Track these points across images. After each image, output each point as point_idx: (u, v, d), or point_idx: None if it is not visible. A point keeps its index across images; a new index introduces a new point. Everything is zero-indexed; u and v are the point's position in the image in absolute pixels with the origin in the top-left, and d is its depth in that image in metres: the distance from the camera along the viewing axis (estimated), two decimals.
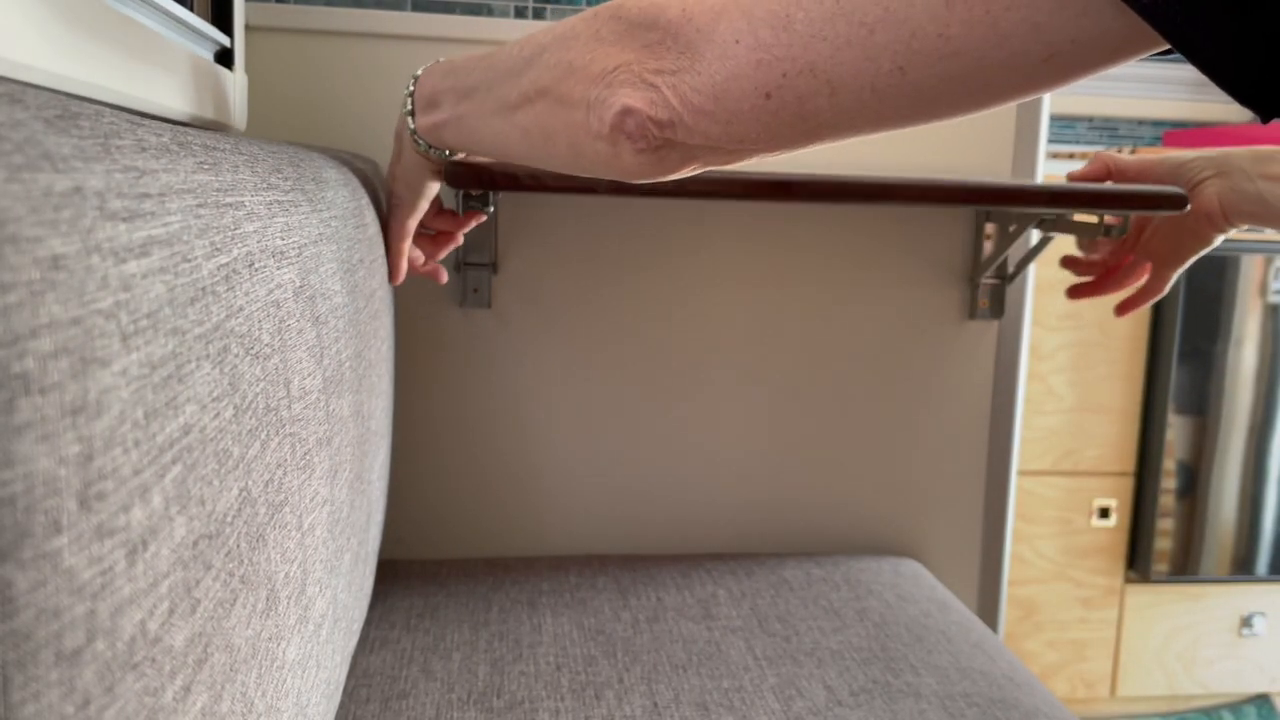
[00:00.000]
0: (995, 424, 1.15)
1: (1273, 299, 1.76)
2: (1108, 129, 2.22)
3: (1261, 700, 1.91)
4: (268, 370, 0.39)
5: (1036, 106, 1.10)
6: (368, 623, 0.87)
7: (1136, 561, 1.81)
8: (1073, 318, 1.73)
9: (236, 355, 0.35)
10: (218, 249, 0.35)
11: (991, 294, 1.12)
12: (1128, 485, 1.80)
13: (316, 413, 0.48)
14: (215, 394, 0.32)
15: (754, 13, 0.47)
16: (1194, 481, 1.78)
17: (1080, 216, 0.95)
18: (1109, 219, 0.90)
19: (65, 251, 0.23)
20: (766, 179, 0.77)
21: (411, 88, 0.67)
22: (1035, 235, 1.10)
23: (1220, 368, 1.76)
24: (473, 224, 0.83)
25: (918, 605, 0.95)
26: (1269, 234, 1.72)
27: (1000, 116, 1.09)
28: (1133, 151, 1.79)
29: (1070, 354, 1.74)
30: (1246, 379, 1.77)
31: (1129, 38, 0.41)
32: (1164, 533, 1.78)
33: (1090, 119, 2.21)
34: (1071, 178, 0.94)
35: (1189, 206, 0.82)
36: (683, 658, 0.82)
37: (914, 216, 1.10)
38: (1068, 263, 0.97)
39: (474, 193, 0.85)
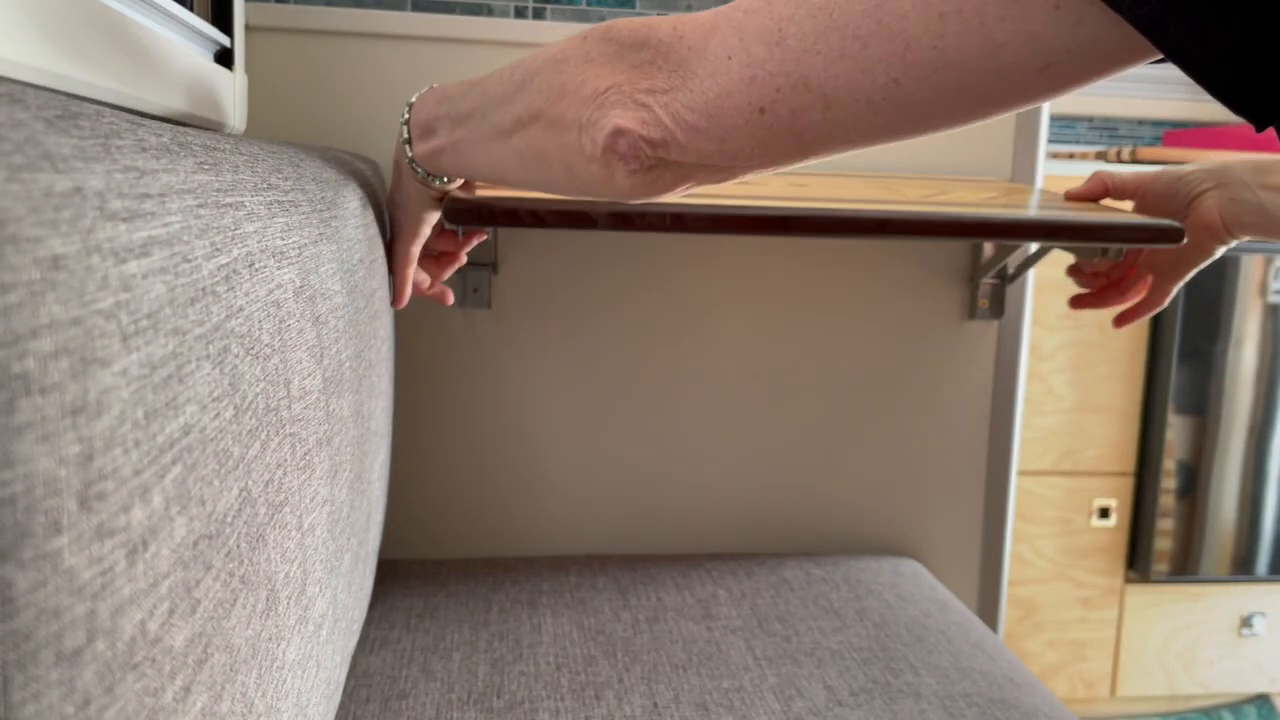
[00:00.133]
0: (995, 424, 1.15)
1: (1273, 299, 1.76)
2: (1108, 129, 2.22)
3: (1261, 700, 1.91)
4: (268, 370, 0.39)
5: (1036, 107, 1.10)
6: (368, 623, 0.87)
7: (1136, 561, 1.81)
8: (1073, 318, 1.73)
9: (237, 355, 0.35)
10: (218, 249, 0.35)
11: (991, 294, 1.12)
12: (1128, 485, 1.80)
13: (316, 413, 0.48)
14: (215, 394, 0.32)
15: (746, 28, 0.47)
16: (1194, 481, 1.78)
17: None
18: None
19: (65, 251, 0.23)
20: (765, 214, 0.76)
21: (407, 115, 0.67)
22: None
23: (1220, 368, 1.76)
24: (474, 243, 0.83)
25: (918, 605, 0.95)
26: None
27: (1000, 117, 1.09)
28: (1133, 152, 1.78)
29: (1070, 354, 1.74)
30: (1246, 379, 1.77)
31: (1123, 48, 0.41)
32: (1164, 533, 1.78)
33: (1090, 119, 2.21)
34: (1069, 196, 0.94)
35: (1185, 240, 0.82)
36: (683, 658, 0.82)
37: None
38: (1072, 272, 0.97)
39: None
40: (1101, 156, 1.84)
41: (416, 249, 0.77)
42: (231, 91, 0.86)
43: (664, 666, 0.80)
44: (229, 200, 0.38)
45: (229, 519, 0.33)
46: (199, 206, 0.34)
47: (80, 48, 0.53)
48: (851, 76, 0.45)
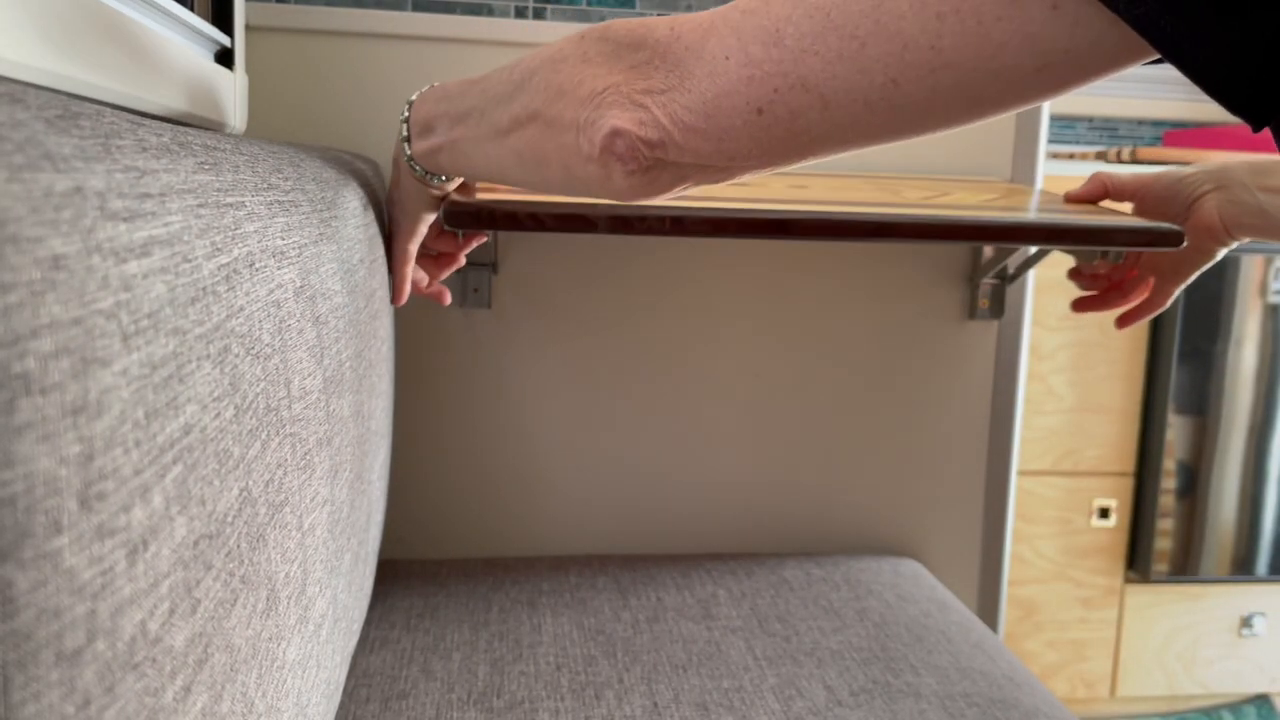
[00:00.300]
0: (995, 424, 1.15)
1: (1273, 299, 1.76)
2: (1108, 129, 2.22)
3: (1261, 700, 1.91)
4: (268, 370, 0.39)
5: (1035, 108, 1.10)
6: (368, 623, 0.87)
7: (1136, 561, 1.81)
8: (1073, 317, 1.73)
9: (237, 355, 0.35)
10: (218, 249, 0.35)
11: (991, 294, 1.12)
12: (1128, 485, 1.80)
13: (317, 413, 0.48)
14: (216, 394, 0.32)
15: (743, 29, 0.47)
16: (1194, 481, 1.78)
17: None
18: None
19: (66, 251, 0.23)
20: (765, 218, 0.75)
21: (407, 113, 0.67)
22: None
23: (1220, 368, 1.76)
24: (474, 245, 0.84)
25: (918, 605, 0.95)
26: None
27: (999, 117, 1.09)
28: (1133, 152, 1.78)
29: (1070, 354, 1.74)
30: (1246, 379, 1.77)
31: (1121, 48, 0.41)
32: (1164, 533, 1.78)
33: (1090, 119, 2.21)
34: (1069, 198, 0.94)
35: (1185, 243, 0.82)
36: (683, 658, 0.82)
37: None
38: (1073, 275, 0.97)
39: None
40: (1101, 156, 1.84)
41: (414, 247, 0.77)
42: (231, 91, 0.86)
43: (664, 666, 0.80)
44: (229, 200, 0.38)
45: (229, 519, 0.33)
46: (199, 206, 0.34)
47: (80, 48, 0.53)
48: (849, 77, 0.45)
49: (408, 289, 0.80)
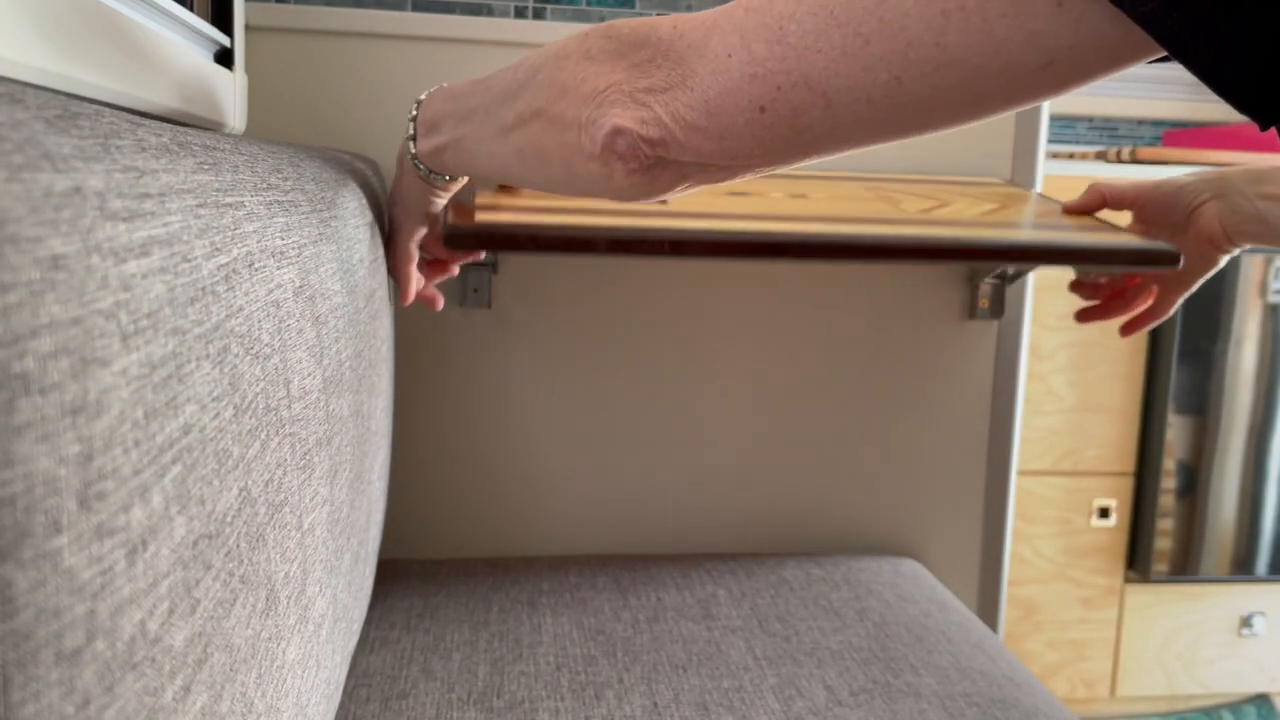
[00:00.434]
0: (995, 424, 1.15)
1: (1273, 299, 1.76)
2: (1108, 129, 2.22)
3: (1261, 700, 1.91)
4: (268, 370, 0.39)
5: (1036, 107, 1.10)
6: (368, 623, 0.87)
7: (1136, 561, 1.81)
8: (1073, 317, 1.73)
9: (236, 355, 0.35)
10: (218, 249, 0.35)
11: (992, 294, 1.12)
12: (1128, 485, 1.80)
13: (316, 413, 0.48)
14: (215, 394, 0.32)
15: (747, 27, 0.47)
16: (1194, 481, 1.78)
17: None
18: None
19: (65, 251, 0.23)
20: (763, 240, 0.76)
21: (414, 112, 0.68)
22: None
23: (1220, 368, 1.76)
24: (470, 260, 0.84)
25: (918, 605, 0.95)
26: None
27: (1000, 116, 1.09)
28: (1133, 152, 1.78)
29: (1070, 354, 1.74)
30: (1246, 379, 1.77)
31: (1126, 45, 0.41)
32: (1164, 533, 1.78)
33: (1090, 119, 2.21)
34: (1067, 209, 0.94)
35: (1182, 264, 0.83)
36: (683, 658, 0.82)
37: None
38: (1075, 287, 0.97)
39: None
40: (1101, 156, 1.84)
41: (415, 246, 0.77)
42: (231, 91, 0.86)
43: (664, 666, 0.80)
44: (229, 200, 0.38)
45: (229, 519, 0.33)
46: (199, 206, 0.34)
47: (80, 48, 0.53)
48: (853, 74, 0.45)
49: (413, 289, 0.80)
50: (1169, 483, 1.78)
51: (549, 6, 1.89)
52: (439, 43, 1.01)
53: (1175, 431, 1.76)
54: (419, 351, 1.05)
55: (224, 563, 0.33)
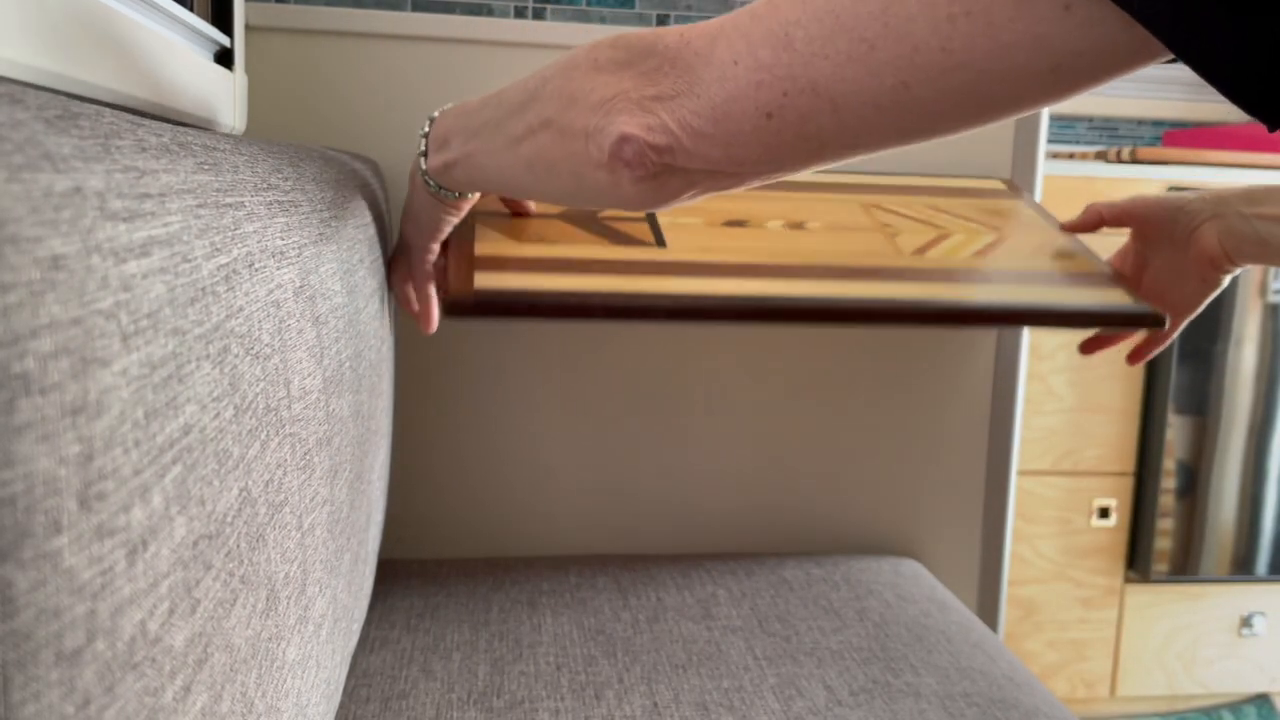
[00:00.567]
0: (995, 424, 1.15)
1: (1273, 299, 1.76)
2: (1108, 129, 2.22)
3: (1261, 700, 1.91)
4: (268, 370, 0.39)
5: None
6: (368, 623, 0.87)
7: (1136, 561, 1.81)
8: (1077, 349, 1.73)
9: (236, 355, 0.35)
10: (218, 249, 0.35)
11: None
12: (1128, 485, 1.80)
13: (316, 413, 0.48)
14: (215, 394, 0.32)
15: (752, 33, 0.47)
16: (1194, 481, 1.78)
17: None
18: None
19: (65, 251, 0.23)
20: (758, 305, 0.79)
21: (426, 129, 0.68)
22: None
23: (1220, 368, 1.76)
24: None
25: (918, 605, 0.95)
26: None
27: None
28: (1133, 152, 1.78)
29: (1070, 354, 1.74)
30: (1246, 379, 1.77)
31: (1133, 49, 0.40)
32: (1164, 533, 1.78)
33: (1090, 119, 2.21)
34: (1065, 228, 0.95)
35: (1167, 324, 0.84)
36: (683, 658, 0.82)
37: None
38: None
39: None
40: (1101, 156, 1.84)
41: (429, 265, 0.77)
42: (231, 91, 0.86)
43: (664, 666, 0.80)
44: (229, 200, 0.38)
45: (229, 519, 0.33)
46: (199, 206, 0.34)
47: (80, 48, 0.53)
48: (860, 80, 0.44)
49: (435, 312, 0.79)
50: (1169, 483, 1.78)
51: (549, 6, 1.89)
52: (439, 43, 1.01)
53: (1175, 431, 1.76)
54: (419, 351, 1.05)
55: (224, 563, 0.33)
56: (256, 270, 0.39)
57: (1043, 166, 1.14)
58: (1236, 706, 1.90)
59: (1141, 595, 1.83)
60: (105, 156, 0.28)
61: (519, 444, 1.08)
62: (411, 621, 0.88)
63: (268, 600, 0.38)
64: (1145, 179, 1.74)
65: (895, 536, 1.15)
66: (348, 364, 0.58)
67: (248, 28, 0.98)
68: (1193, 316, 0.88)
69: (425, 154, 0.68)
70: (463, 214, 0.74)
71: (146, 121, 0.35)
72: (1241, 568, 1.81)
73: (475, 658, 0.81)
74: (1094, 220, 0.92)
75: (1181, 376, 1.75)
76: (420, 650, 0.82)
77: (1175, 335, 0.90)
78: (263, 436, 0.38)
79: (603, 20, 1.90)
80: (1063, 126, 2.20)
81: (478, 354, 1.06)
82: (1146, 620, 1.84)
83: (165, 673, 0.27)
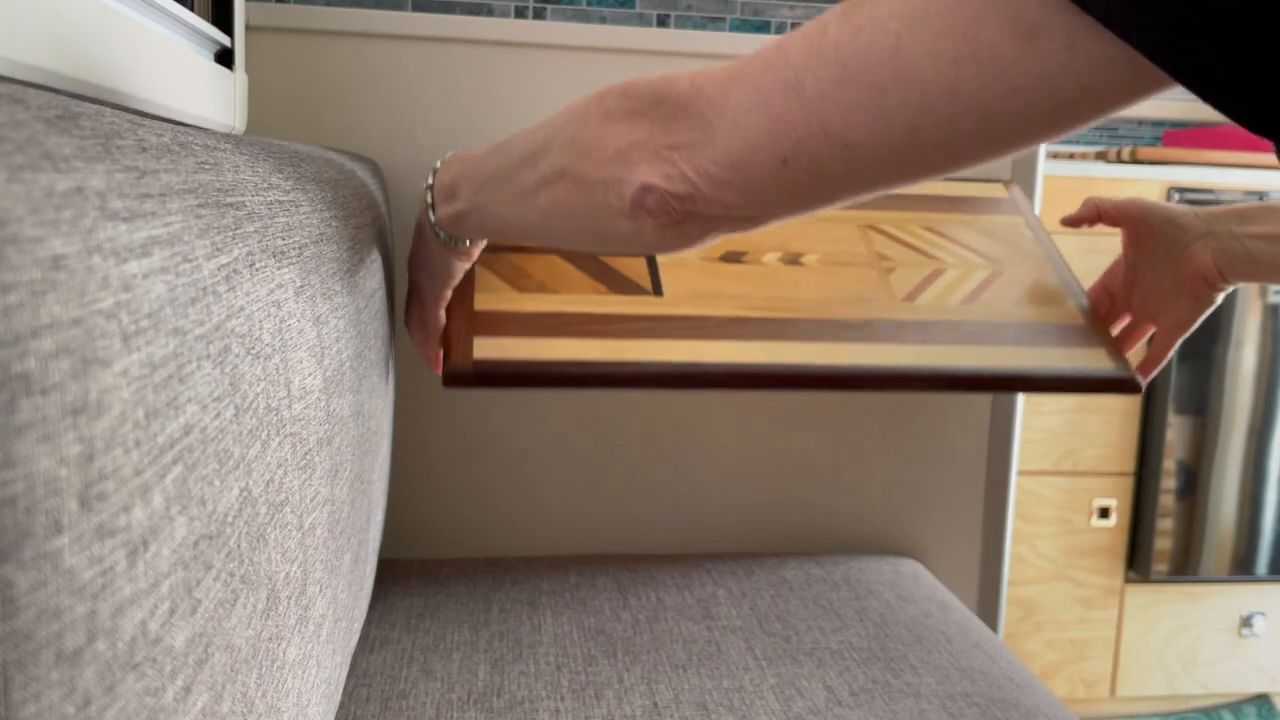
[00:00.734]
0: (995, 424, 1.15)
1: (1273, 299, 1.76)
2: (1108, 129, 2.22)
3: (1261, 700, 1.91)
4: (268, 370, 0.39)
5: None
6: (368, 623, 0.87)
7: (1136, 561, 1.81)
8: None
9: (237, 355, 0.35)
10: (219, 249, 0.35)
11: None
12: (1128, 485, 1.80)
13: (317, 413, 0.48)
14: (216, 394, 0.32)
15: (763, 82, 0.47)
16: (1194, 481, 1.78)
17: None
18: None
19: (66, 251, 0.23)
20: (749, 372, 0.81)
21: (431, 180, 0.68)
22: None
23: (1220, 368, 1.76)
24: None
25: (918, 605, 0.95)
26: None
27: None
28: (1133, 152, 1.78)
29: None
30: (1246, 379, 1.77)
31: (1140, 81, 0.41)
32: (1164, 533, 1.78)
33: None
34: (1064, 221, 0.95)
35: (1141, 391, 0.85)
36: (683, 658, 0.82)
37: None
38: None
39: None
40: (1101, 157, 1.84)
41: (443, 311, 0.78)
42: (231, 91, 0.86)
43: (664, 666, 0.80)
44: (229, 200, 0.38)
45: (229, 519, 0.33)
46: (200, 206, 0.34)
47: (80, 48, 0.53)
48: (871, 125, 0.45)
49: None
50: (1169, 483, 1.78)
51: (549, 6, 1.89)
52: (439, 43, 1.01)
53: (1175, 432, 1.76)
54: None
55: (225, 563, 0.33)
56: (257, 270, 0.39)
57: (1043, 167, 1.14)
58: (1236, 707, 1.90)
59: (1141, 595, 1.83)
60: (106, 156, 0.28)
61: (519, 444, 1.08)
62: (411, 621, 0.88)
63: (268, 600, 0.38)
64: (1145, 179, 1.74)
65: (895, 537, 1.15)
66: (348, 364, 0.58)
67: (248, 28, 0.98)
68: (1187, 334, 0.89)
69: (433, 205, 0.68)
70: (474, 259, 0.75)
71: (147, 121, 0.35)
72: (1241, 568, 1.81)
73: (475, 658, 0.81)
74: (1091, 214, 0.92)
75: (1181, 377, 1.75)
76: (420, 650, 0.82)
77: (1171, 353, 0.90)
78: (263, 436, 0.38)
79: (603, 20, 1.90)
80: None
81: None
82: (1146, 620, 1.84)
83: (166, 673, 0.27)
